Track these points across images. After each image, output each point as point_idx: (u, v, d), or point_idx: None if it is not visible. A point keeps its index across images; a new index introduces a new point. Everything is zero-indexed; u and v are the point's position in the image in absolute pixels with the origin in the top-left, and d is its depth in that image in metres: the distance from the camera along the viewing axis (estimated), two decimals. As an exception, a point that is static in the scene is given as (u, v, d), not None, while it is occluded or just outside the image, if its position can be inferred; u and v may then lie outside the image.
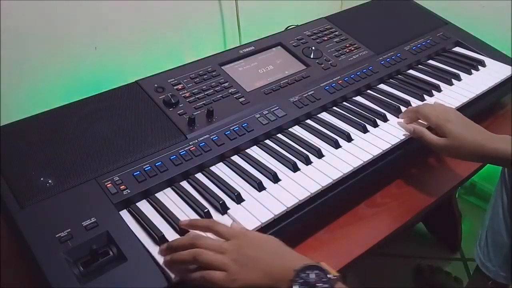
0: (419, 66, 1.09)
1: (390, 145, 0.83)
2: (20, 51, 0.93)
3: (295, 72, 0.97)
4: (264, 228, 0.68)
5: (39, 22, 0.93)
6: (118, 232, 0.64)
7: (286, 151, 0.81)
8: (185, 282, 0.60)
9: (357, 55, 1.05)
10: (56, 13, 0.95)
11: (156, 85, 0.87)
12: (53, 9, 0.94)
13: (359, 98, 0.96)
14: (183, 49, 1.21)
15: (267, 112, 0.87)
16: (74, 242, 0.61)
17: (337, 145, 0.82)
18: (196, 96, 0.87)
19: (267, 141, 0.83)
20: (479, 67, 1.07)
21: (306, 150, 0.80)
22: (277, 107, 0.88)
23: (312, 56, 1.01)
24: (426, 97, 0.97)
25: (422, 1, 1.26)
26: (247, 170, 0.76)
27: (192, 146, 0.78)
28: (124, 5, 1.04)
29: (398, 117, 0.90)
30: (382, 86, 1.01)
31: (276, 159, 0.79)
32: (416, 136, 0.83)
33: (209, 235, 0.63)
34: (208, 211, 0.68)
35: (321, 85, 0.95)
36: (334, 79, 0.97)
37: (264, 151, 0.81)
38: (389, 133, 0.85)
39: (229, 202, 0.71)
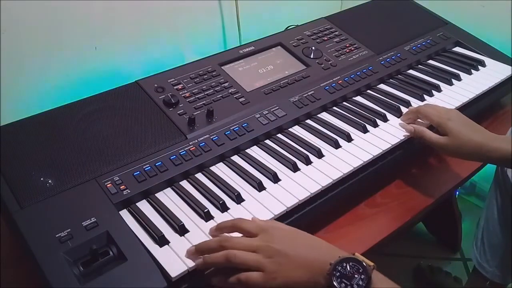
0: (419, 66, 1.09)
1: (390, 145, 0.83)
2: (20, 51, 0.93)
3: (295, 72, 0.97)
4: (264, 228, 0.68)
5: (39, 22, 0.93)
6: (118, 232, 0.64)
7: (286, 151, 0.81)
8: (185, 281, 0.60)
9: (357, 55, 1.05)
10: (56, 13, 0.94)
11: (156, 85, 0.87)
12: (53, 9, 0.94)
13: (359, 98, 0.96)
14: (183, 49, 1.21)
15: (267, 112, 0.87)
16: (74, 242, 0.61)
17: (337, 145, 0.82)
18: (196, 96, 0.87)
19: (267, 141, 0.83)
20: (479, 67, 1.07)
21: (306, 150, 0.80)
22: (277, 107, 0.88)
23: (312, 56, 1.01)
24: (426, 97, 0.97)
25: (422, 1, 1.26)
26: (247, 170, 0.76)
27: (192, 146, 0.78)
28: (124, 5, 1.04)
29: (398, 117, 0.90)
30: (382, 86, 1.01)
31: (276, 159, 0.79)
32: (416, 135, 0.83)
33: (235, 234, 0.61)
34: (208, 211, 0.68)
35: (321, 85, 0.95)
36: (334, 79, 0.97)
37: (264, 151, 0.81)
38: (389, 133, 0.85)
39: (229, 202, 0.70)
